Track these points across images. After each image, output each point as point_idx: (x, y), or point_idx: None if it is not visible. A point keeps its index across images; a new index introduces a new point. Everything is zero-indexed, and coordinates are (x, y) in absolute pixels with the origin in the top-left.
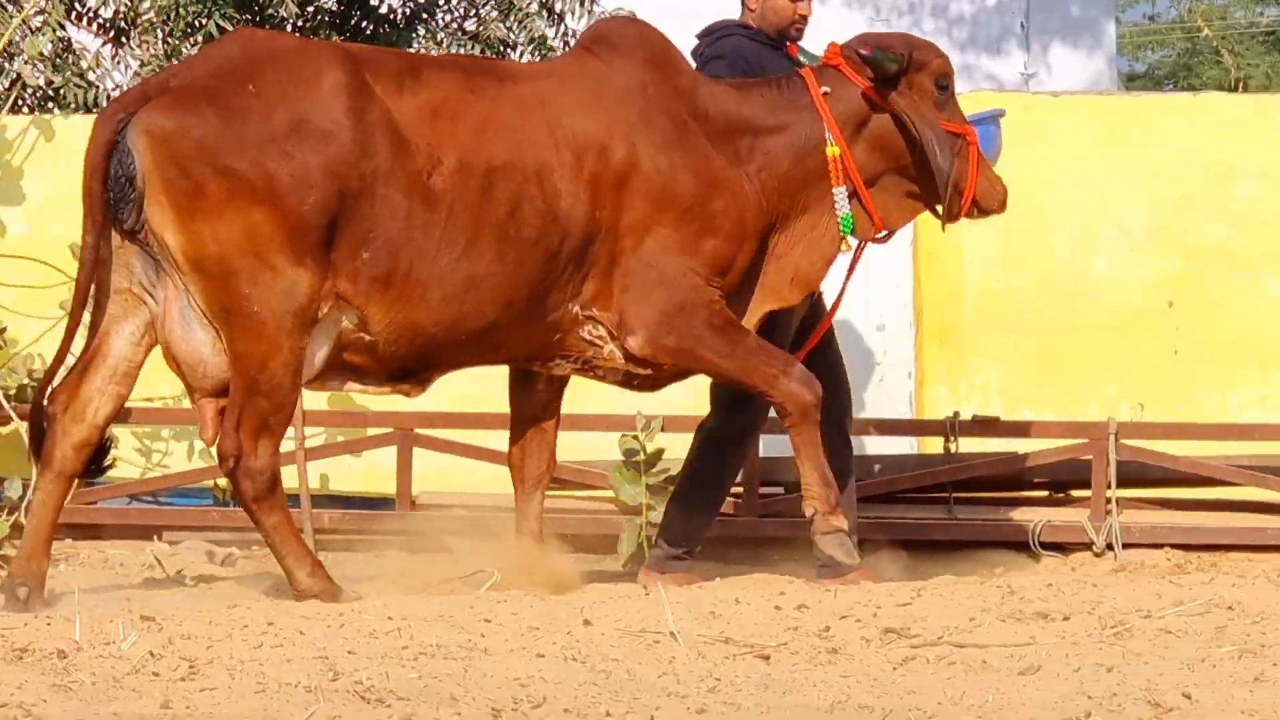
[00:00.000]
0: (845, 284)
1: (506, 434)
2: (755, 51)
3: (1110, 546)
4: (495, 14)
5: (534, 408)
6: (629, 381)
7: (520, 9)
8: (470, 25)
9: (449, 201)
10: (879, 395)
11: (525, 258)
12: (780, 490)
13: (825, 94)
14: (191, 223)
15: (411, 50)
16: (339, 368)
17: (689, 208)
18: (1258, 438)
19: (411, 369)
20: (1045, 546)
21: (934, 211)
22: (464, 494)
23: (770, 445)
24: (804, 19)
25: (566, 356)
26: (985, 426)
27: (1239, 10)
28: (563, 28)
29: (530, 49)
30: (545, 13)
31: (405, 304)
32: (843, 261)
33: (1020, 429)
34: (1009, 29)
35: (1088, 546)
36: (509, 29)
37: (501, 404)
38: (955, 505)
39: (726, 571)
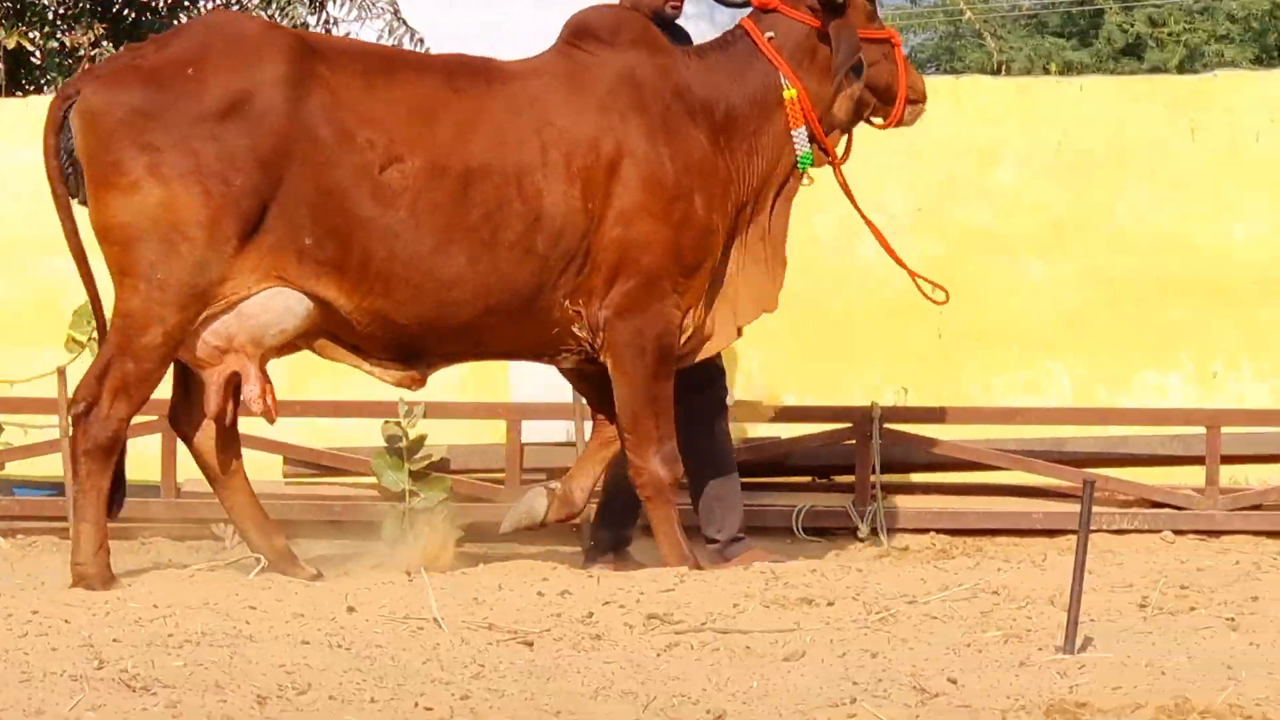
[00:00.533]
0: (854, 201)
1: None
2: None
3: (875, 531)
4: (257, 1)
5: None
6: None
7: None
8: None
9: (410, 199)
10: None
11: (504, 260)
12: (544, 476)
13: (770, 39)
14: (106, 195)
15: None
16: (332, 338)
17: (675, 196)
18: (1021, 421)
19: (400, 355)
20: (810, 532)
21: (869, 121)
22: None
23: (531, 432)
24: (675, 9)
25: (569, 350)
26: (748, 411)
27: None
28: (324, 14)
29: None
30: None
31: (366, 293)
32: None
33: (784, 414)
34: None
35: (853, 532)
36: (270, 16)
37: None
38: None
39: (489, 557)
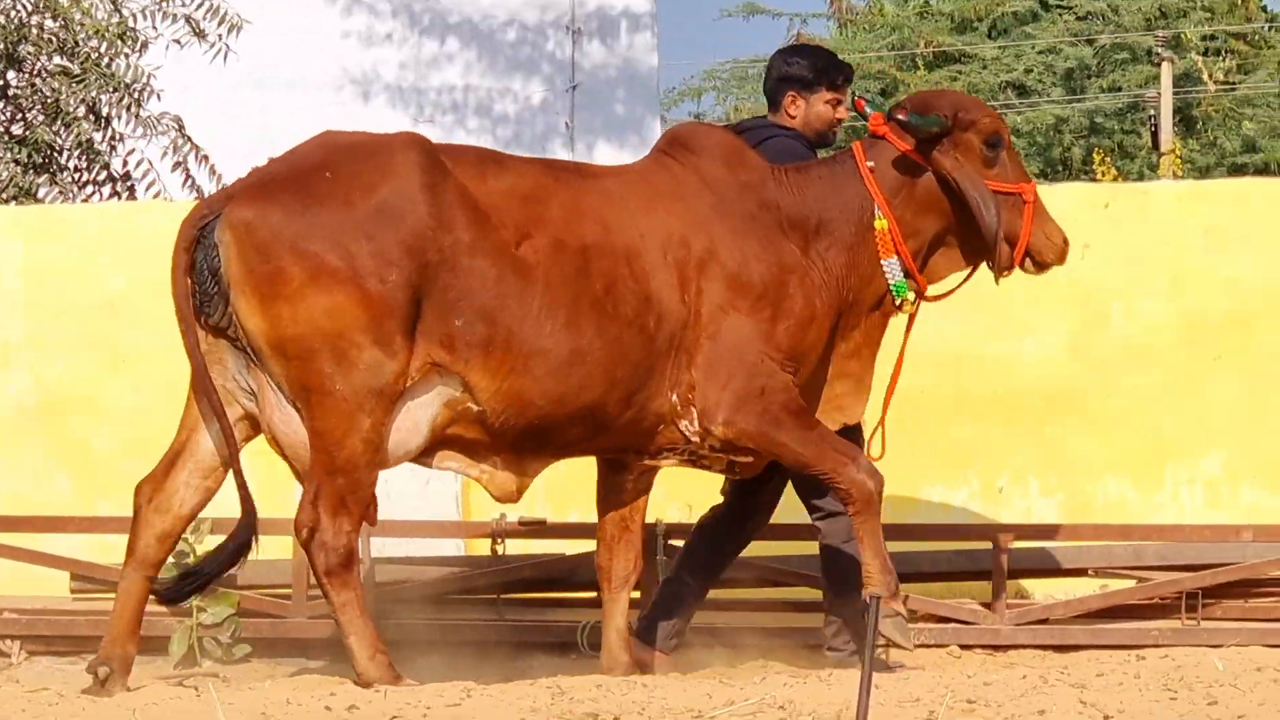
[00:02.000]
0: (903, 348)
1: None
2: (802, 153)
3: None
4: (41, 118)
5: (622, 507)
6: (732, 469)
7: (66, 114)
8: (17, 129)
9: (543, 274)
10: (426, 497)
11: (624, 334)
12: None
13: (870, 168)
14: (273, 306)
15: None
16: (453, 442)
17: (762, 294)
18: (806, 538)
19: (524, 445)
20: (596, 647)
21: (988, 265)
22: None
23: None
24: (840, 122)
25: (673, 449)
26: (532, 528)
27: None
28: (110, 131)
29: (78, 153)
30: (92, 117)
31: (509, 372)
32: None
33: (567, 530)
34: (554, 128)
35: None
36: (55, 133)
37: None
38: (504, 606)
39: (277, 671)
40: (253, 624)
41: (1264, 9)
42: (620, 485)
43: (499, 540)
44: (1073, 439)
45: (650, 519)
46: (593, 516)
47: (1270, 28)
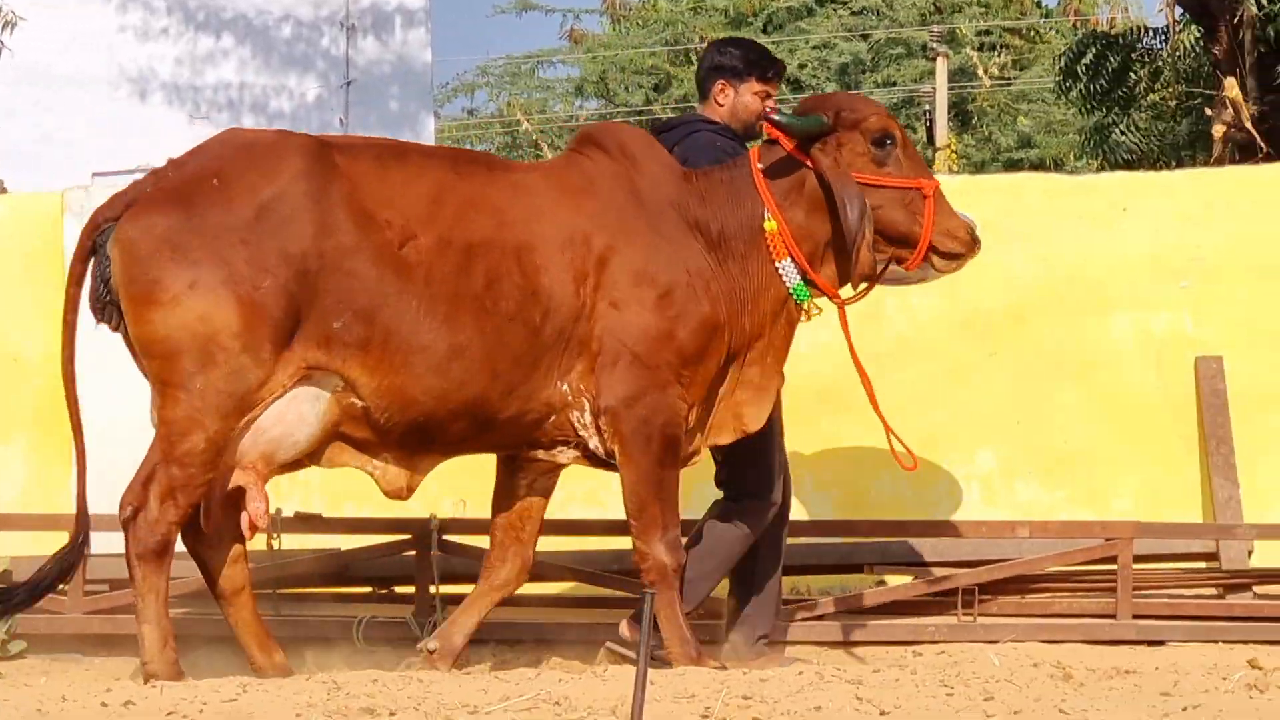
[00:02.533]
0: (852, 352)
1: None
2: (730, 148)
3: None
4: None
5: (512, 512)
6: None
7: None
8: None
9: (424, 273)
10: None
11: (504, 329)
12: (106, 588)
13: (760, 169)
14: (147, 311)
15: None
16: (342, 440)
17: (666, 293)
18: (583, 533)
19: (410, 442)
20: (373, 641)
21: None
22: None
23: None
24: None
25: (567, 442)
26: (308, 523)
27: (557, 104)
28: None
29: None
30: None
31: (389, 369)
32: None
33: (343, 525)
34: (329, 124)
35: (414, 642)
36: None
37: None
38: (280, 601)
39: (53, 668)
40: (29, 620)
41: (1038, 4)
42: (514, 488)
43: (274, 534)
44: (848, 434)
45: (425, 514)
46: (367, 511)
47: (1045, 23)
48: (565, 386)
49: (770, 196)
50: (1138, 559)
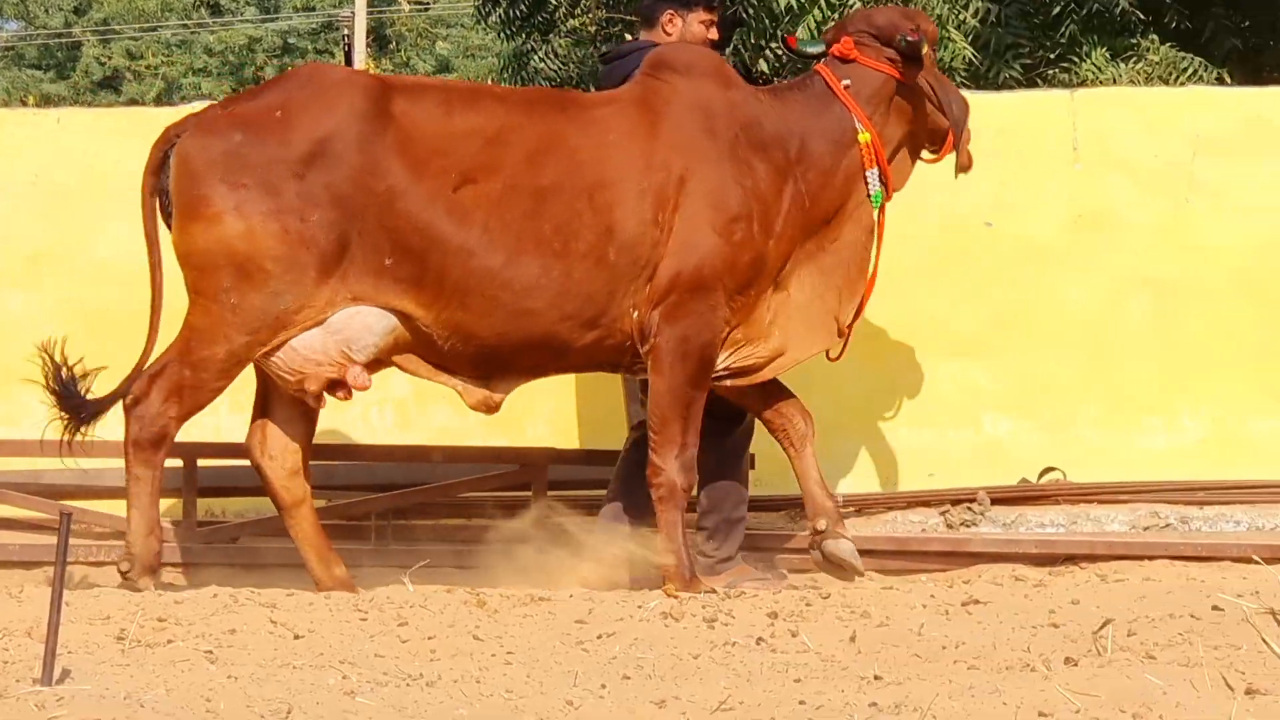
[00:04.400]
0: (876, 257)
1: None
2: None
3: None
4: None
5: (765, 390)
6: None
7: None
8: None
9: (482, 217)
10: None
11: (574, 269)
12: None
13: (846, 86)
14: (190, 225)
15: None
16: (415, 350)
17: (735, 217)
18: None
19: (481, 369)
20: None
21: (921, 160)
22: None
23: None
24: (712, 43)
25: (642, 361)
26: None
27: None
28: None
29: None
30: None
31: (444, 306)
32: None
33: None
34: None
35: None
36: None
37: None
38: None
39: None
40: None
41: None
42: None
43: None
44: None
45: None
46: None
47: None
48: (635, 312)
49: (860, 110)
50: (552, 485)
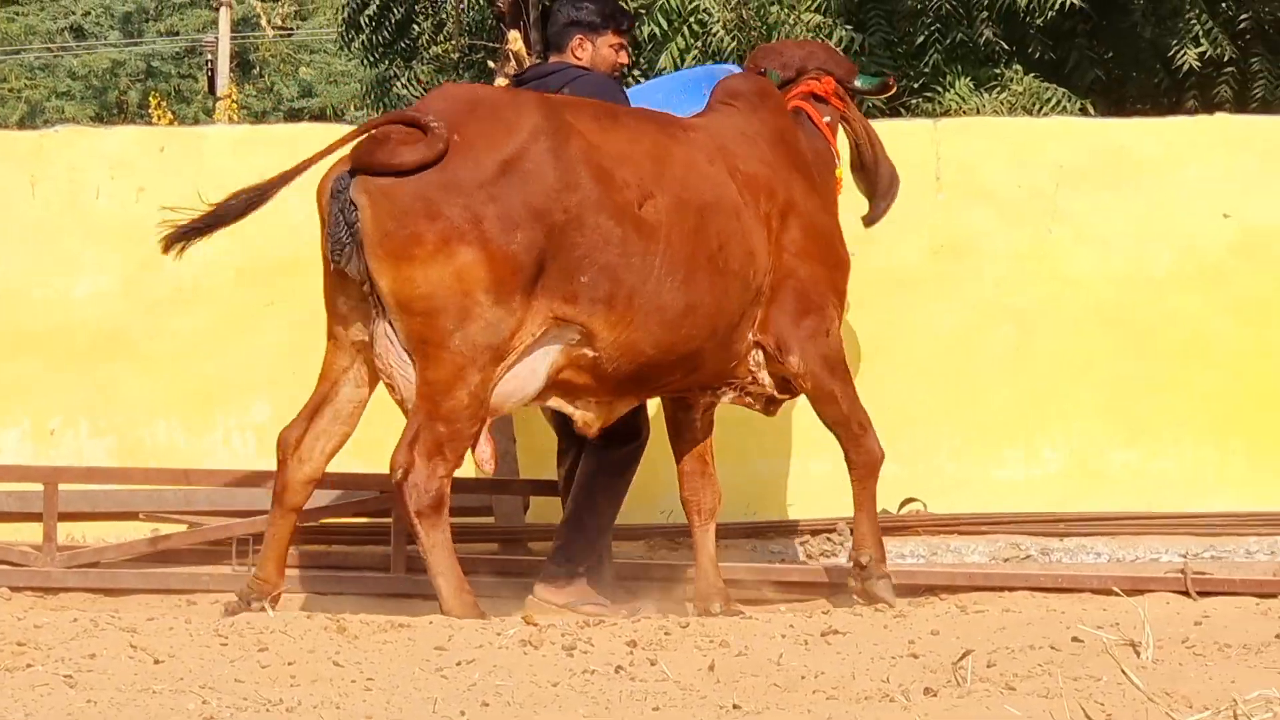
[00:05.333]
0: None
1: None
2: (615, 91)
3: None
4: None
5: (696, 444)
6: (768, 407)
7: None
8: None
9: (665, 233)
10: None
11: (730, 288)
12: None
13: (827, 123)
14: (405, 268)
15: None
16: (561, 386)
17: (829, 240)
18: None
19: (626, 388)
20: None
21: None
22: None
23: None
24: (623, 67)
25: (733, 384)
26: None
27: None
28: None
29: None
30: None
31: (628, 325)
32: None
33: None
34: None
35: None
36: None
37: None
38: None
39: None
40: None
41: None
42: (691, 423)
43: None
44: (124, 381)
45: None
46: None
47: None
48: (751, 335)
49: (834, 143)
50: None
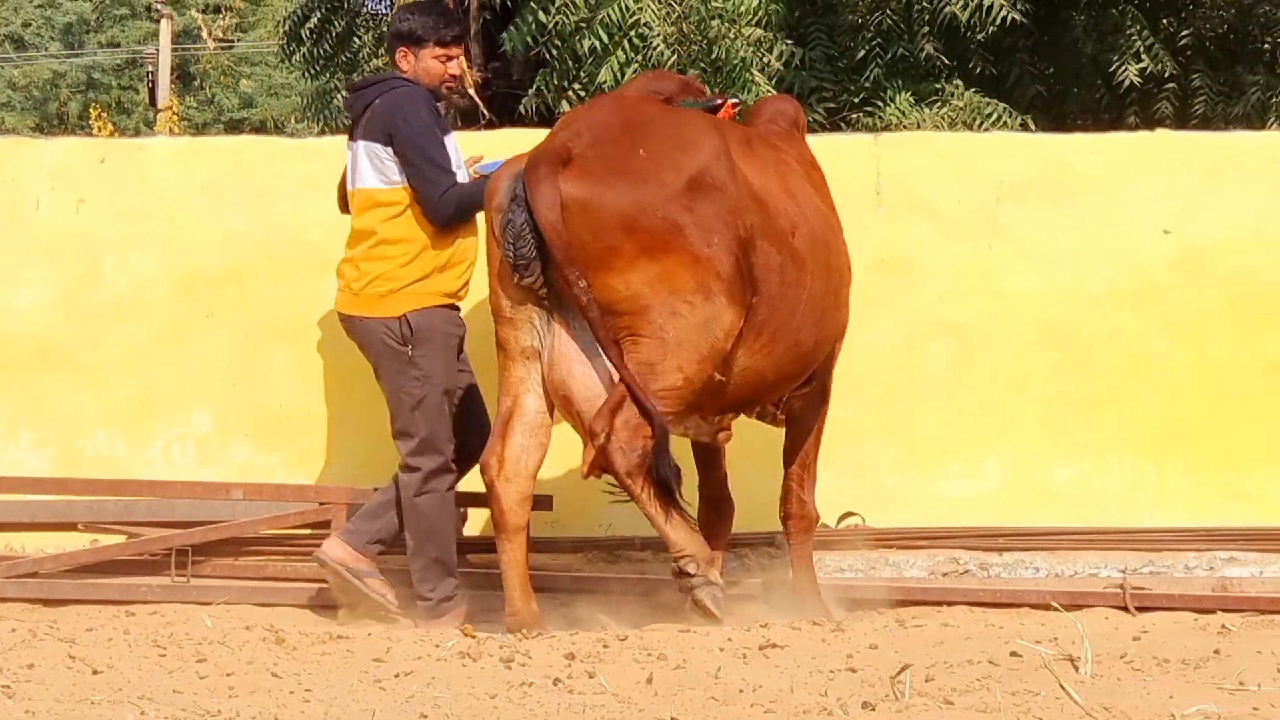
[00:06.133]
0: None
1: None
2: (425, 101)
3: None
4: None
5: (719, 486)
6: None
7: None
8: None
9: (809, 262)
10: None
11: (841, 322)
12: None
13: None
14: (607, 277)
15: None
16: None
17: (846, 265)
18: None
19: (730, 409)
20: None
21: None
22: None
23: None
24: (454, 78)
25: (778, 402)
26: None
27: None
28: None
29: None
30: None
31: (765, 354)
32: None
33: None
34: None
35: None
36: None
37: None
38: None
39: None
40: None
41: None
42: (717, 464)
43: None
44: (64, 391)
45: None
46: None
47: None
48: None
49: None
50: None
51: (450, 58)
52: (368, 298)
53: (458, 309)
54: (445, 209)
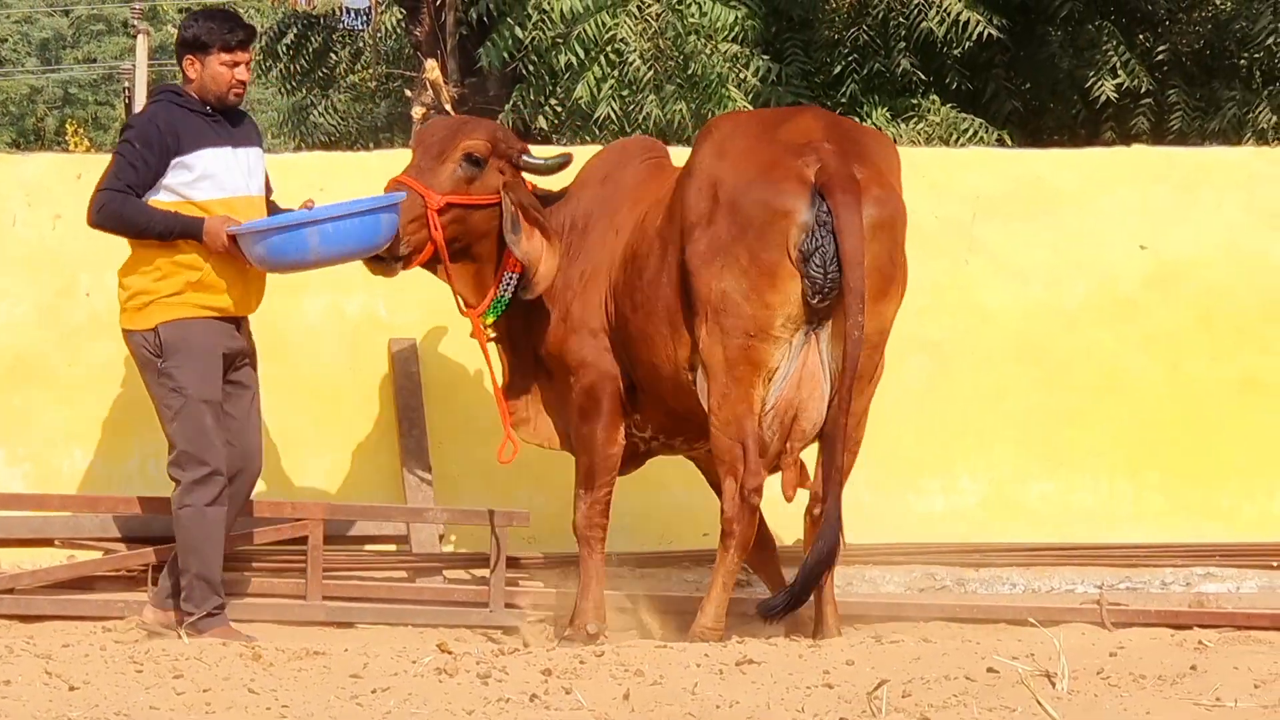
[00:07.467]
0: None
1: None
2: (180, 117)
3: None
4: None
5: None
6: None
7: None
8: None
9: None
10: None
11: None
12: None
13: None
14: (883, 304)
15: None
16: None
17: None
18: None
19: None
20: None
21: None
22: None
23: None
24: (242, 84)
25: None
26: None
27: None
28: None
29: None
30: None
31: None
32: None
33: None
34: None
35: None
36: None
37: None
38: None
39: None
40: None
41: None
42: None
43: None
44: (41, 408)
45: None
46: None
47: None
48: None
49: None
50: (329, 540)
51: (237, 63)
52: (129, 312)
53: (235, 322)
54: (93, 207)
